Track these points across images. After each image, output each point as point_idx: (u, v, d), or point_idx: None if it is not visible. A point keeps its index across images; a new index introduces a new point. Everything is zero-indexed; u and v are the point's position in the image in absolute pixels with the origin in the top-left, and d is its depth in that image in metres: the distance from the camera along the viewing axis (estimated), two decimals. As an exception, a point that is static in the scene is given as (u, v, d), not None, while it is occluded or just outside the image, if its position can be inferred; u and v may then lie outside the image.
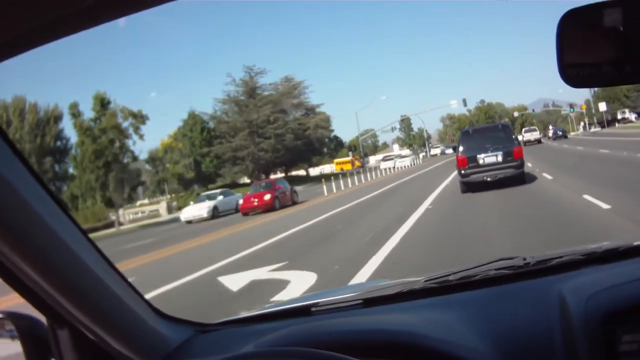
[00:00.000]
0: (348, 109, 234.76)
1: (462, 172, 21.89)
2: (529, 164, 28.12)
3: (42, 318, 1.81)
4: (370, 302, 2.22)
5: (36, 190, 1.54)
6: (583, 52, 1.37)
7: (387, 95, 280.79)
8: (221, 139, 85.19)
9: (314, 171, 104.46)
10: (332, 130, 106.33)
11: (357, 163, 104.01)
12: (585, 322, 1.59)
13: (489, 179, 21.31)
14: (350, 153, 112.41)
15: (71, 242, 1.61)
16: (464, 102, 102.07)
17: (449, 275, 2.23)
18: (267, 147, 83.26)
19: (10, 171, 1.42)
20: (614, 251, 2.12)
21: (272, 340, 1.89)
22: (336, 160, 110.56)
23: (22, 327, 1.87)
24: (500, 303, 1.99)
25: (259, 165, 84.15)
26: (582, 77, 1.38)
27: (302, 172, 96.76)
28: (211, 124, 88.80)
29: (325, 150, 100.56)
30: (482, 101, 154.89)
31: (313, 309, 2.27)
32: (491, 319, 1.86)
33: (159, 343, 2.00)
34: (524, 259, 2.22)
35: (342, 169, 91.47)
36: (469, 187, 21.87)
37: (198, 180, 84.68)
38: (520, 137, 51.86)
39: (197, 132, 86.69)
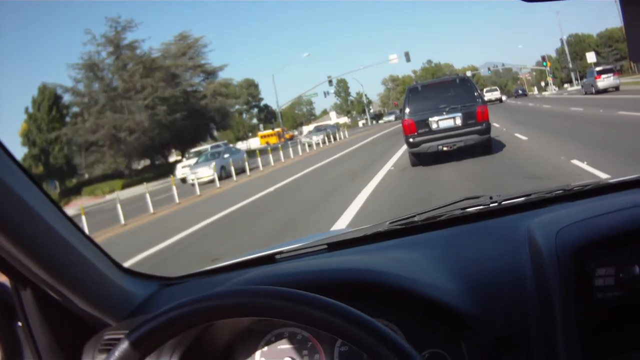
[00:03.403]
0: (269, 72, 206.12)
1: (411, 140, 17.82)
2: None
3: (6, 282, 1.78)
4: (334, 246, 2.20)
5: None
6: None
7: (310, 52, 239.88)
8: (75, 118, 63.85)
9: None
10: (238, 98, 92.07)
11: (287, 135, 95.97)
12: (556, 257, 1.56)
13: (445, 149, 17.39)
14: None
15: (30, 200, 1.55)
16: (407, 56, 79.05)
17: (414, 216, 2.23)
18: (135, 125, 62.35)
19: None
20: (582, 189, 2.14)
21: (234, 285, 1.87)
22: (260, 133, 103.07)
23: None
24: (468, 241, 1.95)
25: (122, 151, 63.47)
26: None
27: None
28: (68, 99, 66.71)
29: (230, 122, 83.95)
30: (430, 61, 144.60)
31: (277, 256, 2.26)
32: (459, 257, 1.84)
33: (124, 299, 1.95)
34: (491, 198, 2.23)
35: (267, 143, 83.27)
36: (420, 159, 18.15)
37: (48, 175, 62.59)
38: None
39: (45, 110, 63.81)
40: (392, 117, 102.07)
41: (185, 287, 2.19)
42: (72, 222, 1.76)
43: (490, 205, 2.19)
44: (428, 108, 17.78)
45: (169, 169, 50.80)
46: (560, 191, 2.15)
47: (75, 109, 64.25)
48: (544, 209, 2.04)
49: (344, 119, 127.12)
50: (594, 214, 1.68)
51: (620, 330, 1.51)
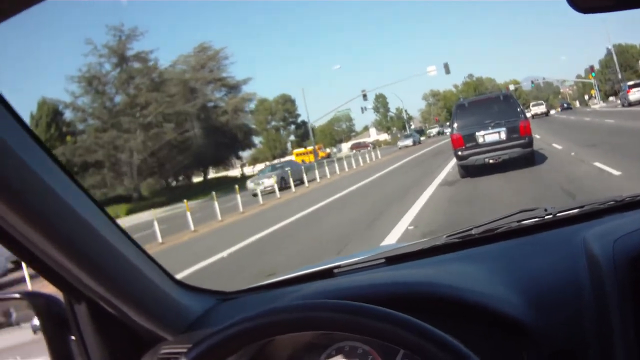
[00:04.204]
0: (299, 86, 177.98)
1: (459, 153, 19.25)
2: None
3: (59, 296, 1.81)
4: (392, 260, 2.21)
5: (47, 164, 1.50)
6: None
7: (342, 64, 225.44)
8: (74, 137, 57.97)
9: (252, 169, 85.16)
10: (274, 114, 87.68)
11: (321, 153, 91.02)
12: (614, 267, 1.54)
13: (491, 161, 18.71)
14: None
15: (86, 215, 1.57)
16: (446, 68, 71.39)
17: (471, 229, 2.23)
18: (138, 144, 56.20)
19: (12, 139, 1.38)
20: (633, 199, 2.13)
21: (295, 300, 1.87)
22: (296, 151, 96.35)
23: (39, 306, 1.86)
24: (525, 254, 1.94)
25: (125, 173, 57.26)
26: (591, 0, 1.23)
27: (232, 173, 75.87)
28: (69, 115, 61.21)
29: (253, 140, 79.28)
30: (471, 75, 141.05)
31: (335, 270, 2.26)
32: (517, 270, 1.84)
33: (180, 314, 1.97)
34: (546, 210, 2.22)
35: (303, 161, 74.40)
36: (468, 171, 19.61)
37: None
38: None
39: (42, 127, 57.61)
40: (448, 131, 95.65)
41: (242, 302, 2.18)
42: (127, 234, 1.76)
43: (546, 217, 2.15)
44: (474, 123, 18.95)
45: (188, 191, 47.03)
46: (613, 202, 2.13)
47: (79, 127, 58.98)
48: (598, 220, 2.01)
49: (385, 136, 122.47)
50: None
51: None
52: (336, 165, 47.22)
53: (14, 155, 1.36)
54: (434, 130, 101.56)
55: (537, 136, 31.10)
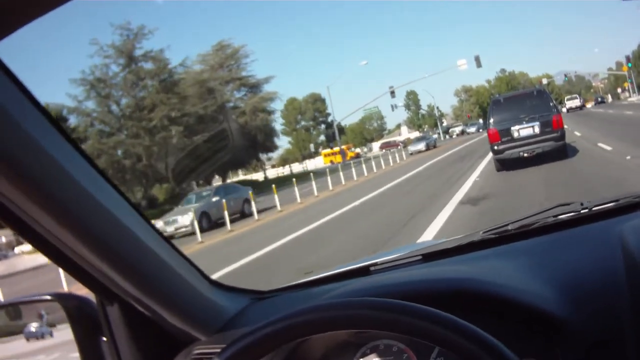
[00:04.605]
0: (324, 84, 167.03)
1: (495, 147, 20.12)
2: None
3: (91, 297, 1.83)
4: (429, 257, 2.21)
5: (82, 165, 1.52)
6: None
7: (369, 60, 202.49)
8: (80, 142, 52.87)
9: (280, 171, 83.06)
10: (304, 113, 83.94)
11: (350, 153, 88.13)
12: None
13: (525, 155, 19.48)
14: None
15: (119, 214, 1.58)
16: (477, 60, 67.13)
17: (507, 225, 2.23)
18: (144, 150, 52.87)
19: (48, 142, 1.40)
20: None
21: (331, 298, 1.84)
22: (324, 152, 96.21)
23: (71, 308, 1.87)
24: (561, 248, 1.96)
25: (131, 180, 53.35)
26: None
27: (256, 176, 71.98)
28: (74, 121, 56.24)
29: (275, 142, 73.92)
30: (503, 70, 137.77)
31: (372, 268, 2.26)
32: (553, 264, 1.84)
33: (215, 313, 1.98)
34: (581, 204, 2.22)
35: (331, 162, 77.76)
36: (504, 164, 20.30)
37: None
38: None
39: None
40: (472, 129, 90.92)
41: (277, 301, 2.19)
42: (160, 234, 1.76)
43: (582, 211, 2.15)
44: (510, 118, 19.83)
45: None
46: None
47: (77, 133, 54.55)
48: (634, 213, 2.02)
49: (416, 134, 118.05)
50: None
51: None
52: (353, 170, 41.38)
53: (46, 154, 1.36)
54: (457, 129, 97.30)
55: (578, 133, 28.38)
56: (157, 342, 1.88)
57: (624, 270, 1.61)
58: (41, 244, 1.51)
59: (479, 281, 1.75)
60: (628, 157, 16.22)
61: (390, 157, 50.56)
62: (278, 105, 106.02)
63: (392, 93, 73.94)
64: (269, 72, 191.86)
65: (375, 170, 43.43)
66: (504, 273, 1.81)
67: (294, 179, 34.06)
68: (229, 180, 60.50)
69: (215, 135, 55.27)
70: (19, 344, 2.14)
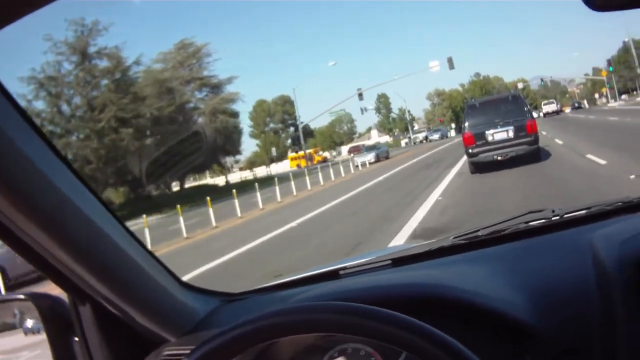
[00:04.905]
0: (291, 86, 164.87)
1: (470, 150, 20.77)
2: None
3: (64, 297, 1.83)
4: (399, 262, 2.24)
5: (56, 164, 1.53)
6: None
7: (337, 61, 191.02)
8: None
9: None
10: (273, 116, 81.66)
11: (317, 157, 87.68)
12: (620, 268, 1.58)
13: (499, 158, 20.06)
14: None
15: (91, 214, 1.59)
16: (450, 62, 66.60)
17: (478, 231, 2.26)
18: (91, 152, 49.37)
19: (23, 143, 1.42)
20: None
21: (299, 302, 1.90)
22: (291, 155, 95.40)
23: (43, 307, 1.87)
24: (532, 255, 1.97)
25: None
26: None
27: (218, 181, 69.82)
28: None
29: (237, 145, 71.19)
30: (478, 74, 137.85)
31: (341, 272, 2.28)
32: (523, 271, 1.87)
33: (185, 314, 1.99)
34: (553, 211, 2.24)
35: (298, 166, 77.35)
36: (478, 167, 20.93)
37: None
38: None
39: None
40: (436, 136, 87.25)
41: (247, 303, 2.21)
42: (133, 235, 1.77)
43: (553, 218, 2.18)
44: (484, 122, 20.44)
45: (159, 201, 43.36)
46: (620, 203, 2.15)
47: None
48: (606, 221, 2.04)
49: (386, 138, 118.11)
50: None
51: None
52: (305, 180, 36.13)
53: (19, 152, 1.37)
54: (420, 135, 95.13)
55: (560, 141, 26.29)
56: (129, 343, 1.88)
57: (595, 279, 1.64)
58: (13, 242, 1.50)
59: (448, 287, 1.75)
60: (632, 177, 12.70)
61: (341, 168, 46.99)
62: (241, 107, 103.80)
63: (360, 95, 71.60)
64: (236, 73, 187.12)
65: (333, 178, 40.31)
66: (473, 279, 1.81)
67: (233, 190, 30.83)
68: (187, 185, 57.96)
69: (172, 137, 52.77)
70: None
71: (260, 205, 28.40)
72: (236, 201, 26.70)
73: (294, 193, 32.74)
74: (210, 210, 24.95)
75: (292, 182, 34.54)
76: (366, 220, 16.42)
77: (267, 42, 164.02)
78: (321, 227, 17.32)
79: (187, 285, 2.05)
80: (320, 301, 1.47)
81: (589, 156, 17.94)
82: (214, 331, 1.36)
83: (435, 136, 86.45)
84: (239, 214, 26.10)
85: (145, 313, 1.80)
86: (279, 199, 30.57)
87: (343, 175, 42.17)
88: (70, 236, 1.51)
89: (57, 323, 1.85)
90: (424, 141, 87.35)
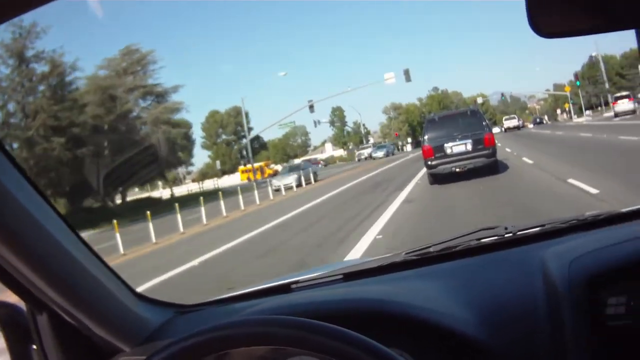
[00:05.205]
0: (239, 96, 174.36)
1: (429, 163, 21.58)
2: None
3: (21, 304, 1.85)
4: (350, 276, 2.26)
5: (11, 173, 1.57)
6: None
7: (288, 71, 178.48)
8: None
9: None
10: (225, 127, 79.18)
11: (268, 170, 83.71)
12: (569, 286, 1.62)
13: (457, 170, 20.93)
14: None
15: (48, 225, 1.62)
16: (407, 75, 61.95)
17: (430, 247, 2.28)
18: (23, 162, 41.69)
19: None
20: (596, 218, 2.18)
21: (250, 314, 1.94)
22: (241, 168, 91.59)
23: (1, 315, 1.89)
24: (482, 272, 2.02)
25: None
26: (553, 25, 1.26)
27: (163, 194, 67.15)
28: None
29: (181, 157, 67.88)
30: (436, 88, 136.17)
31: (293, 285, 2.31)
32: (473, 288, 1.90)
33: (139, 325, 2.01)
34: (506, 228, 2.26)
35: (248, 179, 72.09)
36: (437, 179, 21.71)
37: None
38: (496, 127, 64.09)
39: None
40: (380, 154, 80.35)
41: (200, 315, 2.21)
42: (90, 247, 1.81)
43: (506, 235, 2.19)
44: (443, 135, 21.28)
45: (99, 215, 40.36)
46: (575, 221, 2.18)
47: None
48: (558, 239, 2.06)
49: (341, 152, 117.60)
50: (607, 244, 1.74)
51: (631, 358, 1.55)
52: (238, 199, 32.53)
53: None
54: (365, 152, 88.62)
55: (529, 160, 23.81)
56: (85, 352, 1.88)
57: (545, 296, 1.67)
58: None
59: (398, 302, 1.78)
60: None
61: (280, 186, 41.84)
62: (187, 117, 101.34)
63: (311, 107, 67.92)
64: (183, 81, 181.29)
65: (272, 196, 36.95)
66: (424, 294, 1.84)
67: (176, 204, 29.08)
68: (130, 198, 55.37)
69: (114, 148, 50.17)
70: None
71: (204, 221, 27.03)
72: (179, 216, 25.41)
73: (223, 214, 29.34)
74: (151, 225, 23.50)
75: (221, 202, 30.91)
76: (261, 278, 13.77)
77: (217, 52, 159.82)
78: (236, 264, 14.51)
79: (141, 297, 2.06)
80: (272, 315, 1.50)
81: (572, 181, 14.62)
82: (167, 342, 1.36)
83: (380, 153, 79.92)
84: (182, 229, 24.72)
85: (100, 323, 1.80)
86: (204, 221, 27.71)
87: (258, 202, 33.63)
88: (26, 245, 1.52)
89: (15, 331, 1.84)
90: (368, 158, 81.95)
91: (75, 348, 1.86)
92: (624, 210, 2.19)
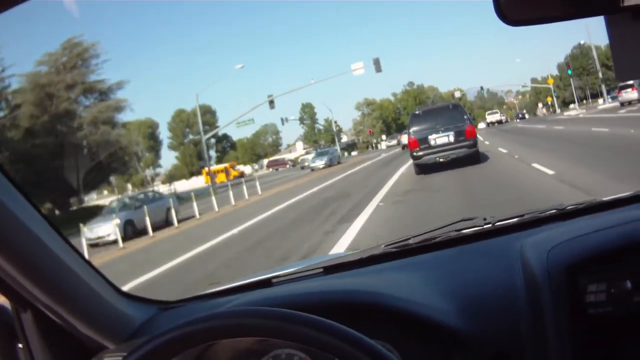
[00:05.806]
0: (193, 92, 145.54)
1: (414, 154, 23.11)
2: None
3: (7, 303, 1.86)
4: (330, 270, 2.28)
5: None
6: None
7: (246, 63, 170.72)
8: None
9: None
10: (192, 127, 78.98)
11: (233, 172, 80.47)
12: (548, 275, 1.64)
13: (441, 160, 22.32)
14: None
15: (32, 225, 1.65)
16: (377, 64, 56.09)
17: (409, 239, 2.30)
18: None
19: None
20: (575, 207, 2.20)
21: (233, 307, 1.96)
22: (205, 170, 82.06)
23: None
24: (462, 262, 2.04)
25: None
26: (520, 12, 1.25)
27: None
28: None
29: (128, 162, 62.91)
30: (411, 83, 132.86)
31: (274, 280, 2.33)
32: (453, 278, 1.93)
33: (123, 322, 2.04)
34: (485, 219, 2.29)
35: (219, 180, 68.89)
36: (422, 169, 23.02)
37: None
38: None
39: None
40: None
41: (183, 310, 2.24)
42: (72, 246, 1.83)
43: (485, 226, 2.22)
44: (427, 128, 23.04)
45: None
46: (554, 211, 2.20)
47: None
48: (537, 228, 2.08)
49: (311, 150, 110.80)
50: (586, 232, 1.75)
51: (612, 344, 1.57)
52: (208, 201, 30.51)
53: None
54: (309, 157, 72.11)
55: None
56: (70, 350, 1.90)
57: (524, 286, 1.70)
58: None
59: (377, 294, 1.80)
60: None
61: (245, 189, 35.91)
62: (132, 116, 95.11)
63: (271, 102, 61.40)
64: (129, 77, 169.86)
65: (233, 202, 31.34)
66: (404, 286, 1.87)
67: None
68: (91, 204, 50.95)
69: (49, 152, 45.31)
70: None
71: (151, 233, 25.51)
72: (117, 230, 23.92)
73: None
74: (83, 241, 22.32)
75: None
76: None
77: (170, 45, 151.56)
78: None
79: (125, 294, 2.08)
80: (252, 307, 1.49)
81: (535, 165, 17.18)
82: (145, 338, 1.39)
83: (320, 162, 57.99)
84: (121, 245, 23.05)
85: (85, 320, 1.83)
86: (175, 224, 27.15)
87: (246, 197, 32.41)
88: (9, 244, 1.54)
89: (0, 330, 1.86)
90: (305, 168, 66.46)
91: (61, 346, 1.86)
92: (603, 199, 2.21)
